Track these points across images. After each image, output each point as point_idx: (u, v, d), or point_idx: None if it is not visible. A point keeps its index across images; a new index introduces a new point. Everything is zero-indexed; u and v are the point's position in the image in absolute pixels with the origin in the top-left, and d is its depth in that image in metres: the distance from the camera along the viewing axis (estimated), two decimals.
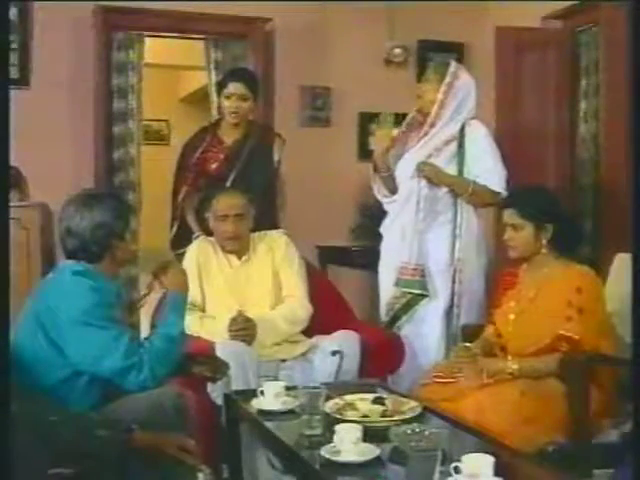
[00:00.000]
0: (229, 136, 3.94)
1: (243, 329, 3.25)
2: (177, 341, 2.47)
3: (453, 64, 3.69)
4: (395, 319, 3.67)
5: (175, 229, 3.99)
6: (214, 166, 3.90)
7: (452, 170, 3.61)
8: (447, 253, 3.63)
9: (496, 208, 3.59)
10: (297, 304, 3.47)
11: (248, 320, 3.27)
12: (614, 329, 2.90)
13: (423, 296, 3.60)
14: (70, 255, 2.50)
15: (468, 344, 2.99)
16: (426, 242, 3.61)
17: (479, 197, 3.61)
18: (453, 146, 3.62)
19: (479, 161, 3.60)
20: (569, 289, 2.77)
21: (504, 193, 3.50)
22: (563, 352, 2.72)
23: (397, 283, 3.63)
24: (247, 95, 3.84)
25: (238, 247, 3.50)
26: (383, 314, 3.76)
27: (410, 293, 3.61)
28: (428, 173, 3.58)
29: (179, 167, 4.01)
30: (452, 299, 3.63)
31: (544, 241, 2.89)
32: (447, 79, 3.60)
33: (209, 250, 3.54)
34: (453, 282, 3.62)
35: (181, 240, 3.87)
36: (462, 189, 3.59)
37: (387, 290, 3.73)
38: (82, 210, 2.48)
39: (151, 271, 2.63)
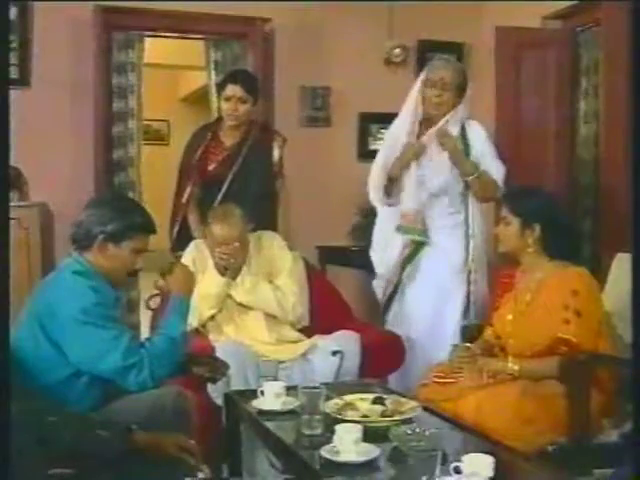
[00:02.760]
0: (229, 138, 3.92)
1: (230, 250, 3.36)
2: (178, 343, 2.47)
3: (451, 64, 3.69)
4: (398, 283, 3.71)
5: (177, 230, 3.96)
6: (212, 167, 3.90)
7: (453, 170, 3.62)
8: (462, 255, 3.66)
9: (496, 209, 3.60)
10: (290, 296, 3.49)
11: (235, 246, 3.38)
12: (612, 329, 2.89)
13: (424, 244, 3.64)
14: (73, 243, 2.53)
15: (468, 344, 2.98)
16: (441, 245, 3.65)
17: (483, 184, 3.60)
18: None
19: (479, 160, 3.61)
20: (565, 292, 2.76)
21: (503, 188, 3.54)
22: (562, 355, 2.71)
23: (398, 229, 3.67)
24: (245, 97, 3.81)
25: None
26: (385, 273, 3.77)
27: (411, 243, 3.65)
28: (448, 145, 3.58)
29: (182, 167, 3.99)
30: (468, 300, 3.64)
31: (530, 240, 2.89)
32: (446, 80, 3.60)
33: (205, 251, 3.54)
34: (468, 283, 3.64)
35: (183, 241, 3.82)
36: (470, 170, 3.58)
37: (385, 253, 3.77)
38: (91, 208, 2.52)
39: (158, 271, 2.63)
